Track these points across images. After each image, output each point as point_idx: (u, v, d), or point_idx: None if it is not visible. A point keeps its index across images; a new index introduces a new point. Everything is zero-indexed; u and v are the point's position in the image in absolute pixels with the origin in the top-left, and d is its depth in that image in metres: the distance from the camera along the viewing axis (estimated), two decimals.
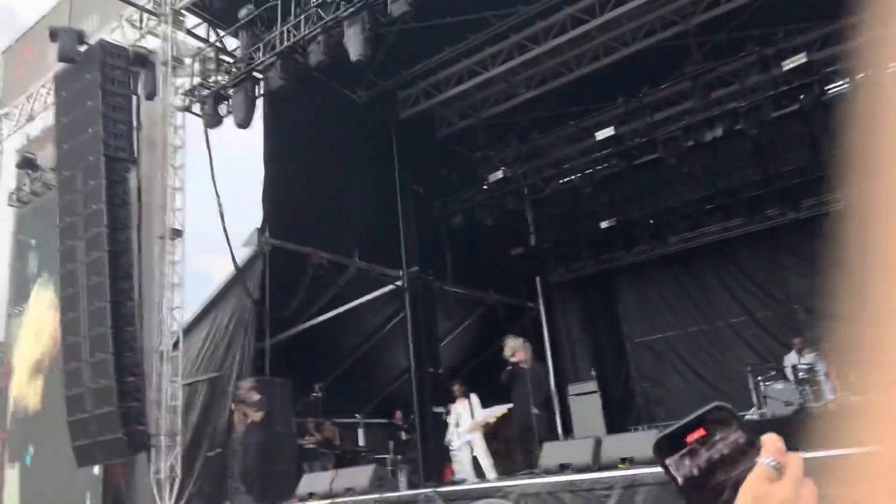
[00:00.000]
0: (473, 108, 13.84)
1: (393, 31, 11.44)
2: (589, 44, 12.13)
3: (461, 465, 10.40)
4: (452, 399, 10.55)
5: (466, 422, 10.22)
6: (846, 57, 11.32)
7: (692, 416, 0.64)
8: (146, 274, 10.89)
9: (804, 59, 10.61)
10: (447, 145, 14.48)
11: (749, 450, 0.62)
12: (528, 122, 14.13)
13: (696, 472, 0.62)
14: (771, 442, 0.62)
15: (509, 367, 9.19)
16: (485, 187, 14.31)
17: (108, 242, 9.81)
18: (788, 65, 10.75)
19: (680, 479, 0.62)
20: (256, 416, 9.46)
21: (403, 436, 12.86)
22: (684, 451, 0.63)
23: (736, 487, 0.61)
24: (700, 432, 0.63)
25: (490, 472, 9.84)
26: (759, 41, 11.26)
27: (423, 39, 11.91)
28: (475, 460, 10.28)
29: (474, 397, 10.33)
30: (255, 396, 9.64)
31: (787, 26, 11.25)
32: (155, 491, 9.84)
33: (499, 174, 13.91)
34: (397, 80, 12.89)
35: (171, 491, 9.80)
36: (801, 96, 11.17)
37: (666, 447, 0.64)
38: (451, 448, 10.64)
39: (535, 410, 8.97)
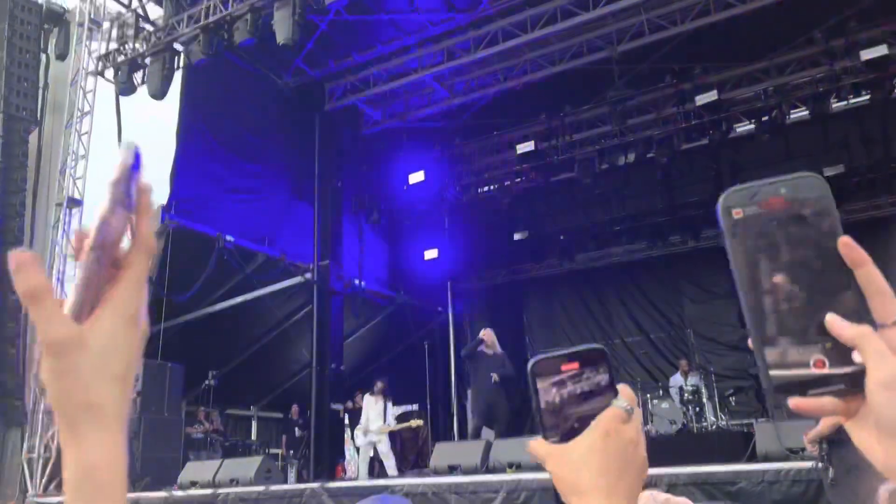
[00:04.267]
0: (400, 108, 13.84)
1: (325, 21, 11.32)
2: (518, 58, 12.37)
3: (356, 464, 10.35)
4: (371, 393, 10.47)
5: (376, 422, 10.15)
6: (755, 99, 12.01)
7: (571, 349, 0.69)
8: (38, 242, 10.34)
9: (715, 97, 11.16)
10: (371, 142, 14.41)
11: (607, 392, 0.69)
12: (453, 128, 14.27)
13: (557, 399, 0.68)
14: (627, 390, 0.69)
15: (478, 348, 9.04)
16: (405, 188, 14.33)
17: None
18: (701, 100, 11.29)
19: (542, 403, 0.68)
20: None
21: (298, 432, 12.67)
22: (555, 379, 0.68)
23: (584, 420, 0.68)
24: (574, 366, 0.68)
25: (392, 471, 9.82)
26: (677, 75, 11.79)
27: (356, 33, 11.84)
28: (373, 461, 10.25)
29: (389, 402, 10.29)
30: None
31: (703, 64, 11.82)
32: (25, 470, 9.31)
33: (420, 176, 13.96)
34: (325, 71, 12.73)
35: (42, 472, 9.29)
36: (710, 132, 11.76)
37: (540, 370, 0.69)
38: (354, 443, 10.56)
39: (495, 377, 8.89)
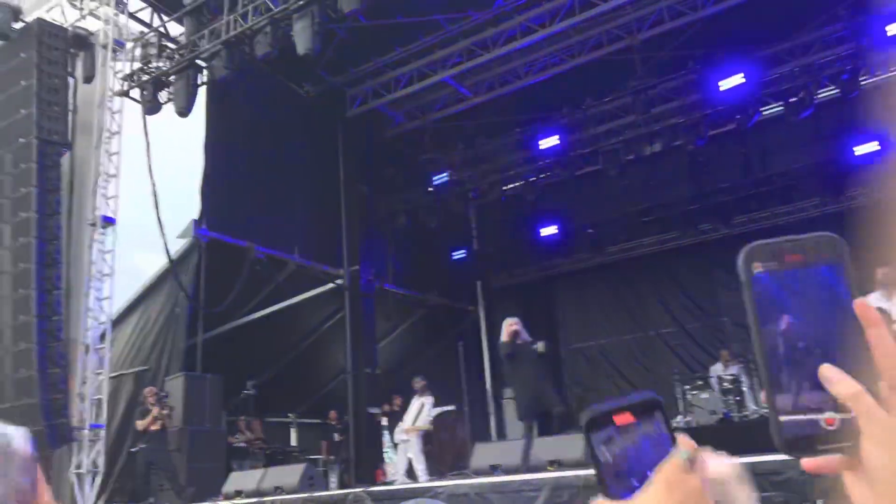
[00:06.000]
0: (421, 110, 13.86)
1: (343, 28, 11.38)
2: (537, 53, 12.31)
3: (396, 464, 10.42)
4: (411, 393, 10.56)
5: (409, 420, 10.22)
6: (782, 81, 11.79)
7: (624, 400, 0.68)
8: (75, 263, 10.54)
9: (741, 80, 10.99)
10: (394, 145, 14.46)
11: (665, 442, 0.66)
12: (476, 126, 14.24)
13: (614, 453, 0.66)
14: (685, 440, 0.67)
15: (516, 342, 7.93)
16: (430, 189, 14.35)
17: (36, 228, 9.45)
18: (726, 85, 11.13)
19: (599, 459, 0.66)
20: (152, 424, 9.06)
21: (337, 436, 12.75)
22: (611, 433, 0.66)
23: (644, 473, 0.65)
24: (628, 417, 0.66)
25: (422, 475, 9.84)
26: (700, 60, 11.62)
27: (374, 38, 11.88)
28: (410, 461, 10.31)
29: (428, 400, 10.31)
30: (154, 408, 9.20)
31: (726, 48, 11.64)
32: (76, 486, 9.50)
33: (444, 177, 13.98)
34: (346, 78, 12.81)
35: (92, 486, 9.48)
36: (737, 116, 11.58)
37: (594, 424, 0.67)
38: (395, 442, 10.65)
39: (539, 348, 7.93)
